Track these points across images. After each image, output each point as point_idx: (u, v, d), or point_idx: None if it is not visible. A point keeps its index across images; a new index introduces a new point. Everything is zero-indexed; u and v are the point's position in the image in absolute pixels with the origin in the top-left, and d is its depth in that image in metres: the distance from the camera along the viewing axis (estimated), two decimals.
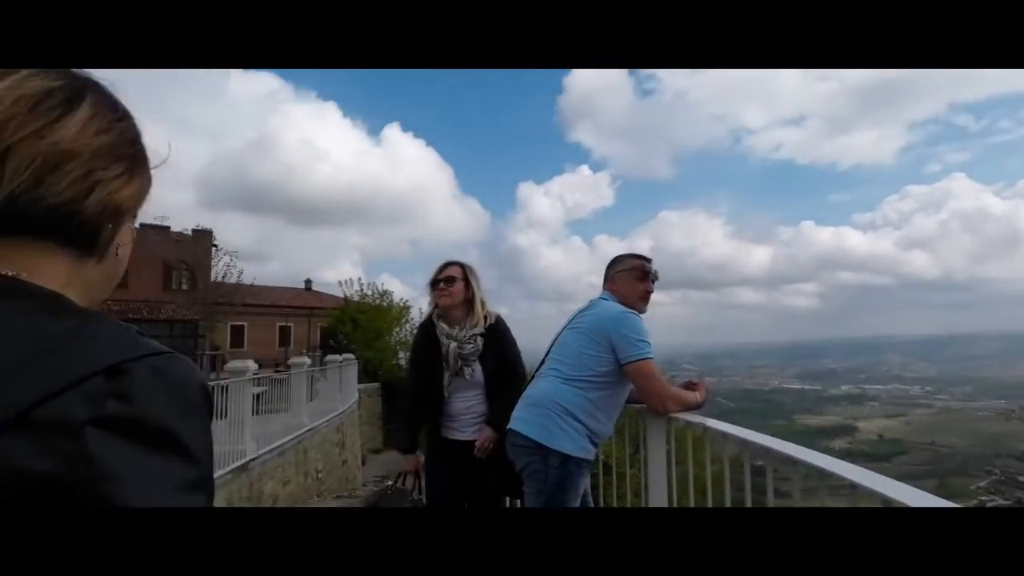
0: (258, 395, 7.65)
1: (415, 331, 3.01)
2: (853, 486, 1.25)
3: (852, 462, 1.38)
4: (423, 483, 2.71)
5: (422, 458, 2.73)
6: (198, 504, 0.43)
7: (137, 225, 0.62)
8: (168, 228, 24.25)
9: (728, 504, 1.85)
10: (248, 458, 6.38)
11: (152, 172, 0.59)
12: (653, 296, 2.32)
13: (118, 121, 0.53)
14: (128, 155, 0.54)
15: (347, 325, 22.94)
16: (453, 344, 2.59)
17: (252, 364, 6.85)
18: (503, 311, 2.73)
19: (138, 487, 0.40)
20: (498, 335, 2.63)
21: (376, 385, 19.65)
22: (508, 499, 2.75)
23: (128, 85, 0.59)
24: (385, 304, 24.56)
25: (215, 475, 0.50)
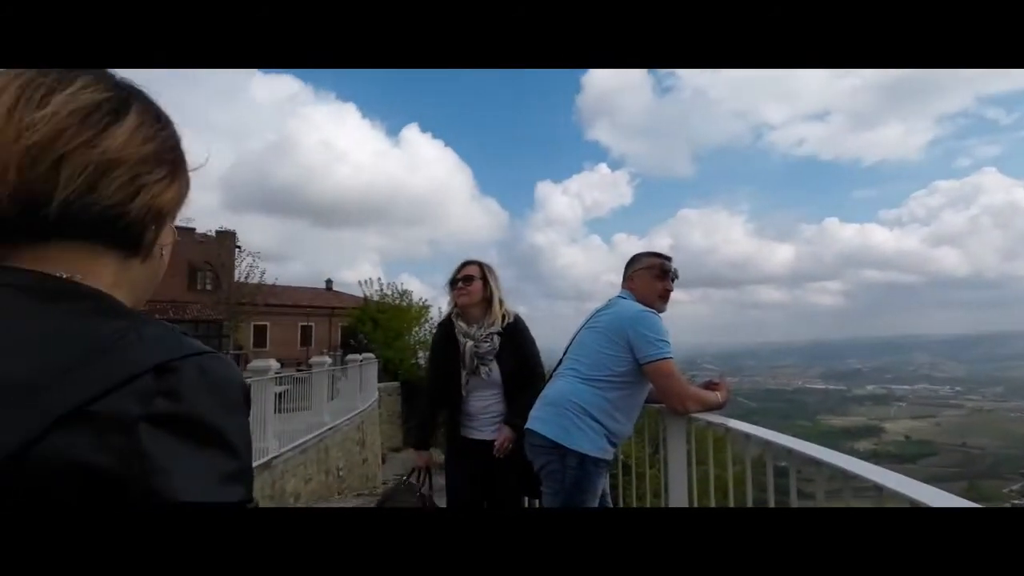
0: (280, 394, 7.77)
1: (434, 330, 3.04)
2: (879, 488, 1.22)
3: (878, 464, 1.35)
4: (431, 479, 2.73)
5: (433, 455, 2.76)
6: (238, 495, 0.46)
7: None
8: (193, 230, 24.72)
9: (750, 505, 1.83)
10: (271, 456, 6.48)
11: (190, 175, 0.62)
12: (673, 295, 2.29)
13: (161, 130, 0.56)
14: (169, 160, 0.57)
15: (367, 325, 23.15)
16: (470, 343, 2.60)
17: (274, 363, 6.96)
18: (521, 310, 2.73)
19: (186, 481, 0.42)
20: (516, 334, 2.62)
21: (396, 384, 19.80)
22: (527, 499, 2.75)
23: (152, 88, 0.61)
24: (404, 304, 24.73)
25: None
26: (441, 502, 2.86)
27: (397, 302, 24.62)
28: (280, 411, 7.47)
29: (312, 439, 8.10)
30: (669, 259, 2.31)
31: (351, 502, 8.21)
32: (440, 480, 2.87)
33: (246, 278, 25.17)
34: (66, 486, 0.39)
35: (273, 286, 26.28)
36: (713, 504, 2.08)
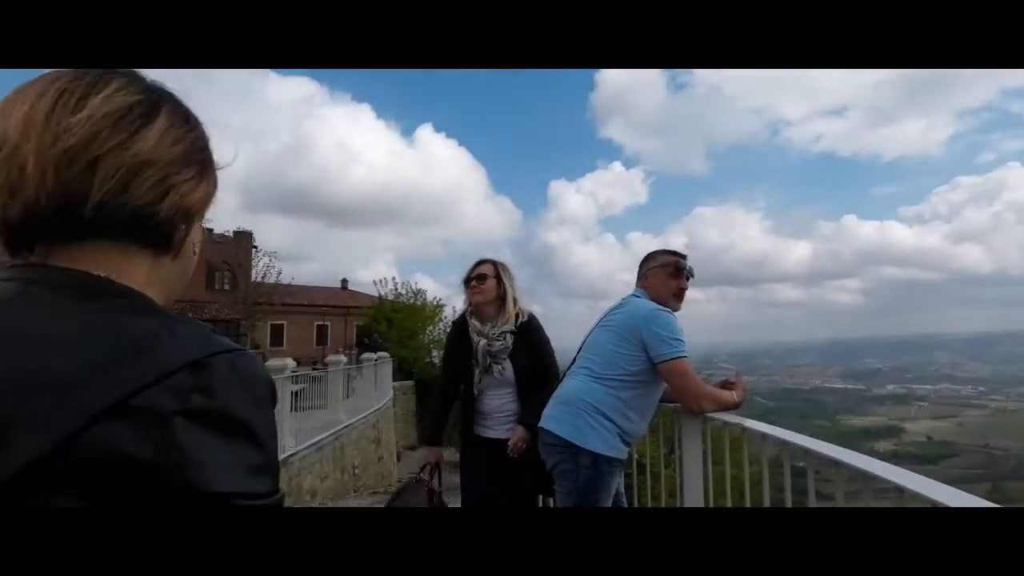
0: (296, 392, 7.84)
1: (448, 329, 3.05)
2: (900, 490, 1.20)
3: (898, 465, 1.33)
4: (440, 475, 2.75)
5: (446, 454, 2.79)
6: (266, 486, 0.48)
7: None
8: (211, 230, 25.07)
9: (767, 506, 1.81)
10: (287, 454, 6.55)
11: (218, 175, 0.64)
12: (688, 293, 2.27)
13: (190, 131, 0.58)
14: (198, 161, 0.58)
15: (382, 324, 23.29)
16: (483, 341, 2.60)
17: (291, 362, 7.03)
18: (535, 309, 2.72)
19: (218, 472, 0.44)
20: (530, 333, 2.62)
21: (410, 383, 19.90)
22: (541, 498, 2.75)
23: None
24: (419, 303, 24.85)
25: None
26: (455, 499, 2.87)
27: (411, 301, 24.74)
28: (296, 409, 7.54)
29: (328, 437, 8.17)
30: (684, 257, 2.28)
31: (366, 500, 8.27)
32: (454, 478, 2.88)
33: (263, 278, 25.46)
34: (108, 474, 0.42)
35: (289, 286, 26.55)
36: (729, 504, 2.07)
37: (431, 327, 24.02)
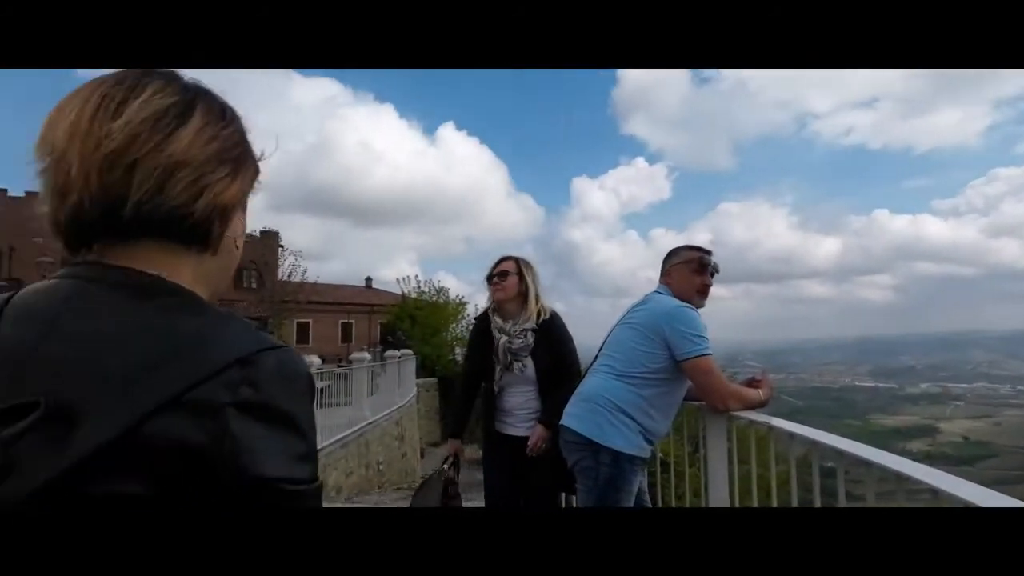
0: (322, 389, 7.96)
1: (471, 326, 3.08)
2: (934, 491, 1.16)
3: (933, 466, 1.29)
4: (459, 466, 2.76)
5: (467, 451, 2.82)
6: (308, 473, 0.51)
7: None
8: None
9: (795, 506, 1.77)
10: None
11: (259, 164, 0.65)
12: (713, 290, 2.23)
13: (224, 128, 0.59)
14: (232, 158, 0.60)
15: (405, 321, 23.48)
16: (504, 338, 2.60)
17: (316, 359, 7.14)
18: (558, 307, 2.71)
19: (267, 460, 0.48)
20: (552, 331, 2.61)
21: (434, 380, 20.03)
22: (564, 495, 2.74)
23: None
24: (441, 301, 24.98)
25: None
26: (478, 496, 2.88)
27: (434, 299, 24.89)
28: (322, 406, 7.66)
29: (352, 433, 8.27)
30: (709, 253, 2.24)
31: (391, 495, 8.35)
32: (477, 474, 2.89)
33: (289, 276, 25.86)
34: (168, 461, 0.45)
35: (315, 284, 26.91)
36: (756, 504, 2.03)
37: (454, 324, 24.13)
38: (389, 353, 12.38)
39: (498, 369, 2.62)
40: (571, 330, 2.70)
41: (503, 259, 2.71)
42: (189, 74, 0.62)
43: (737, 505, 2.07)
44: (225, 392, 0.47)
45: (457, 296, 25.48)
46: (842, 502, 1.52)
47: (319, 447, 6.79)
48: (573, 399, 2.18)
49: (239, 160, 0.61)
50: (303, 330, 29.66)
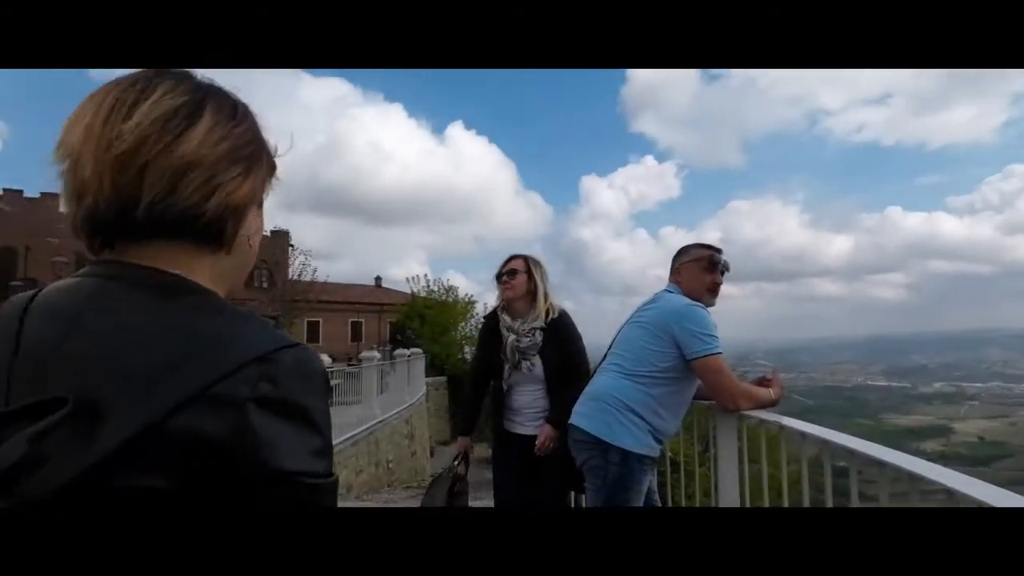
0: (332, 388, 7.97)
1: (480, 325, 3.08)
2: (949, 492, 1.15)
3: (947, 466, 1.27)
4: (468, 461, 2.77)
5: (477, 450, 2.82)
6: (324, 467, 0.52)
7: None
8: None
9: (807, 506, 1.76)
10: None
11: (275, 159, 0.66)
12: (723, 289, 2.22)
13: (235, 127, 0.60)
14: (244, 156, 0.60)
15: (415, 320, 23.58)
16: (512, 336, 2.60)
17: (326, 358, 7.17)
18: (567, 306, 2.70)
19: (285, 453, 0.49)
20: (561, 330, 2.60)
21: (443, 379, 20.10)
22: (573, 494, 2.73)
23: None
24: (451, 300, 25.06)
25: None
26: (487, 495, 2.88)
27: (443, 298, 24.96)
28: (332, 404, 7.67)
29: (362, 432, 8.31)
30: (719, 251, 2.22)
31: (400, 494, 8.38)
32: (486, 473, 2.89)
33: (299, 276, 25.99)
34: (191, 455, 0.46)
35: (325, 283, 27.04)
36: (767, 504, 2.02)
37: (463, 323, 24.19)
38: (399, 352, 12.42)
39: (506, 367, 2.62)
40: (580, 329, 2.70)
41: (512, 257, 2.71)
42: (202, 74, 0.62)
43: (748, 505, 2.06)
44: (245, 388, 0.48)
45: (466, 295, 25.57)
46: (855, 502, 1.50)
47: None
48: (582, 398, 2.17)
49: (251, 158, 0.61)
50: (313, 329, 29.82)
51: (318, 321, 29.88)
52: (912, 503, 1.29)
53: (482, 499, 4.10)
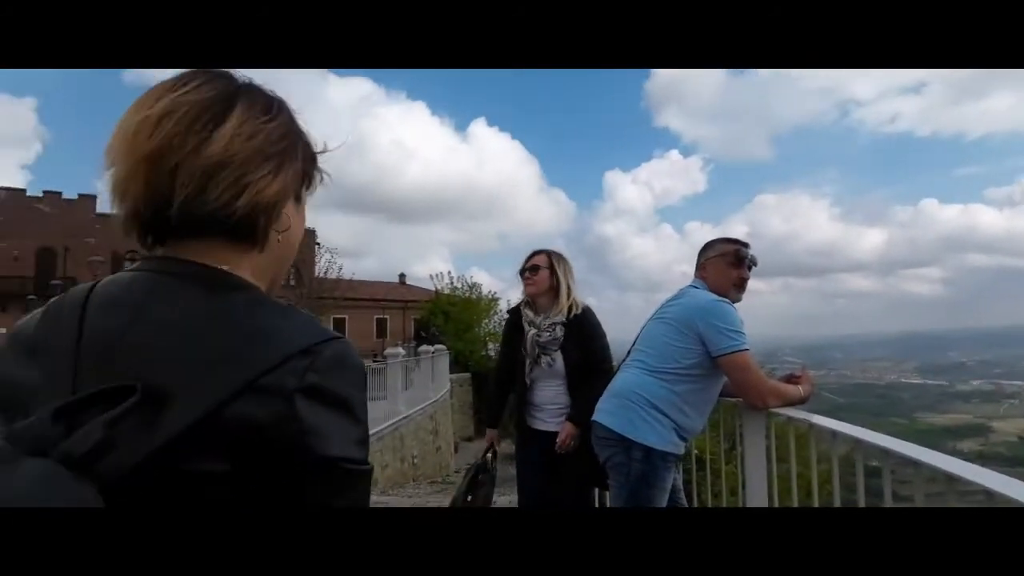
0: None
1: (503, 321, 3.10)
2: (988, 493, 1.11)
3: (985, 466, 1.23)
4: (496, 453, 2.77)
5: (498, 436, 2.85)
6: (364, 455, 0.54)
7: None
8: None
9: (838, 506, 1.72)
10: None
11: (316, 153, 0.67)
12: (750, 284, 2.17)
13: (268, 121, 0.60)
14: (275, 153, 0.60)
15: (439, 317, 23.73)
16: (532, 331, 2.60)
17: None
18: (591, 302, 2.69)
19: (329, 441, 0.51)
20: (583, 326, 2.58)
21: (467, 375, 20.20)
22: (597, 491, 2.72)
23: None
24: (474, 297, 25.15)
25: None
26: (511, 491, 2.89)
27: (467, 295, 25.07)
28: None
29: (388, 427, 8.41)
30: (746, 245, 2.18)
31: (425, 488, 8.47)
32: (510, 469, 2.90)
33: (325, 273, 26.40)
34: (245, 441, 0.49)
35: (350, 281, 27.41)
36: (796, 504, 1.97)
37: (486, 320, 24.27)
38: (423, 348, 12.52)
39: (528, 362, 2.62)
40: (603, 326, 2.68)
41: (535, 253, 2.70)
42: (240, 73, 0.62)
43: (776, 504, 2.02)
44: (292, 379, 0.51)
45: (490, 292, 25.65)
46: (888, 503, 1.46)
47: None
48: (605, 395, 2.16)
49: (283, 154, 0.61)
50: (339, 326, 30.22)
51: (344, 318, 30.30)
52: (949, 505, 1.25)
53: (507, 495, 4.11)
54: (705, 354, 1.97)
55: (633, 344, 2.23)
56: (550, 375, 2.60)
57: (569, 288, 2.63)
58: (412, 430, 9.90)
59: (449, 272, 26.87)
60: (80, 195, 27.39)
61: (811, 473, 1.86)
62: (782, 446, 2.05)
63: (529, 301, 2.69)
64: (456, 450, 14.49)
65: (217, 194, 0.55)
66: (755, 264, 2.18)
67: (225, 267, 0.58)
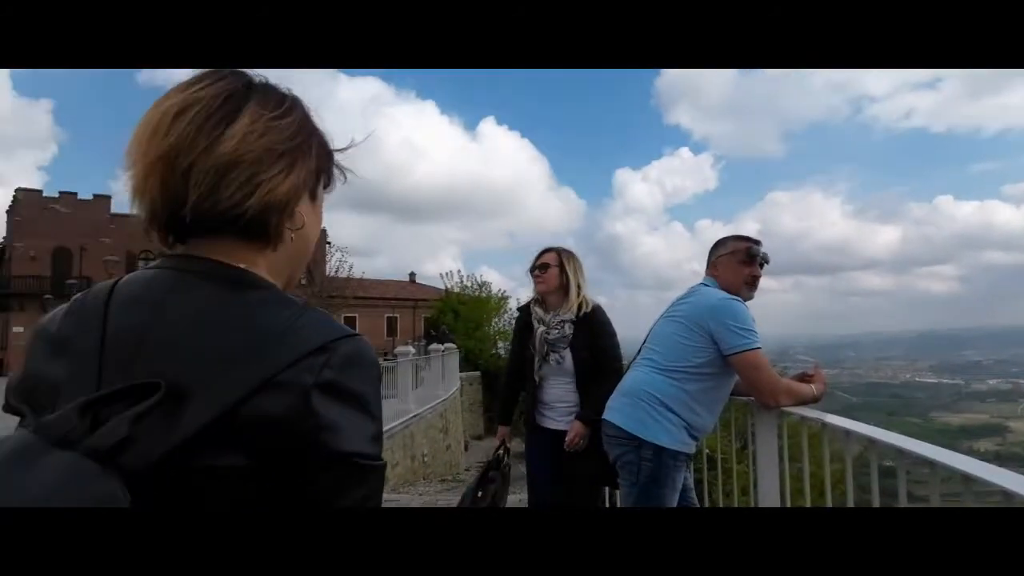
0: None
1: (513, 320, 3.12)
2: (1006, 494, 1.09)
3: (1003, 467, 1.21)
4: (508, 449, 2.76)
5: (510, 432, 2.85)
6: (378, 451, 0.55)
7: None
8: None
9: (851, 506, 1.70)
10: None
11: (333, 151, 0.67)
12: (762, 282, 2.15)
13: (280, 119, 0.60)
14: (287, 151, 0.60)
15: (448, 315, 23.79)
16: (541, 328, 2.59)
17: None
18: (600, 300, 2.68)
19: (346, 436, 0.52)
20: (593, 324, 2.58)
21: (477, 374, 20.22)
22: (607, 489, 2.71)
23: None
24: (484, 295, 25.18)
25: None
26: (520, 489, 2.88)
27: (477, 293, 25.11)
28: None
29: (398, 425, 8.44)
30: (757, 243, 2.16)
31: (435, 487, 8.49)
32: (521, 467, 2.90)
33: (336, 272, 26.52)
34: (263, 437, 0.50)
35: (361, 280, 27.51)
36: (808, 504, 1.96)
37: (496, 319, 24.30)
38: (433, 347, 12.56)
39: (536, 360, 2.62)
40: (613, 324, 2.67)
41: (545, 251, 2.70)
42: (255, 72, 0.63)
43: (789, 504, 2.00)
44: (309, 376, 0.51)
45: (499, 290, 25.68)
46: (903, 504, 1.44)
47: None
48: (615, 393, 2.15)
49: (297, 151, 0.61)
50: (350, 324, 29.35)
51: (355, 316, 30.46)
52: (966, 505, 1.23)
53: (518, 493, 4.12)
54: (716, 352, 1.96)
55: (643, 342, 2.22)
56: (559, 373, 2.60)
57: (579, 286, 2.62)
58: (422, 428, 9.93)
59: (459, 270, 27.04)
60: (95, 195, 27.78)
61: (824, 473, 1.84)
62: (794, 445, 2.03)
63: (539, 299, 2.69)
64: (466, 448, 14.53)
65: (229, 193, 0.56)
66: (767, 262, 2.16)
67: (242, 265, 0.59)
